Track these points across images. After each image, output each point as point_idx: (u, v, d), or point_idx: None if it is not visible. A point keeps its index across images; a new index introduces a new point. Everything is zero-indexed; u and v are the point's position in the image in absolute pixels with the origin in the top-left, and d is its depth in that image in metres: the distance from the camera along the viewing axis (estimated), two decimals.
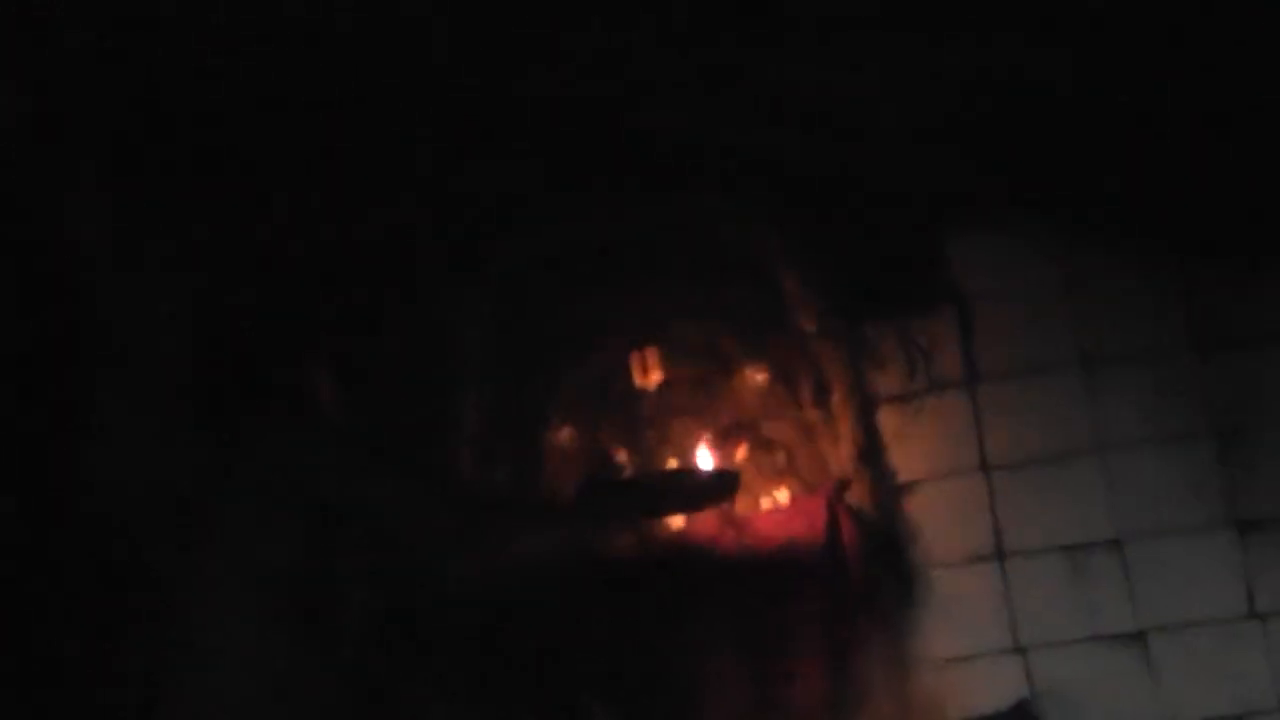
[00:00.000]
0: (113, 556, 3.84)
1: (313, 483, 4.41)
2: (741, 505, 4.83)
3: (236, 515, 4.20)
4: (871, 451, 4.80)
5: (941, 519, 4.68)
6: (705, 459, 5.08)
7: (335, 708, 4.45)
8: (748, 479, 4.89)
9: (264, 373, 4.42)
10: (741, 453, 4.98)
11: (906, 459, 4.77)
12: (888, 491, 4.76)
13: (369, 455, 4.65)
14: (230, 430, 4.20)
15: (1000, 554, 4.61)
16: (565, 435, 5.05)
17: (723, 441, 5.03)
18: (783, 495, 4.92)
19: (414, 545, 4.76)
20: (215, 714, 3.98)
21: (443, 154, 4.57)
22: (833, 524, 4.66)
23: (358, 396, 4.71)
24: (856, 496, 4.78)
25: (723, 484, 4.88)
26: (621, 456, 5.07)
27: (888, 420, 4.82)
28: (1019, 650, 4.54)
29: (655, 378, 5.04)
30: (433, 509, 4.70)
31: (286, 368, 4.57)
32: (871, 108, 4.44)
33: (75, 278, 3.88)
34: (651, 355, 5.03)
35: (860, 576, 4.58)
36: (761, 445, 5.02)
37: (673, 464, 5.12)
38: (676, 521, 4.92)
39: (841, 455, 4.86)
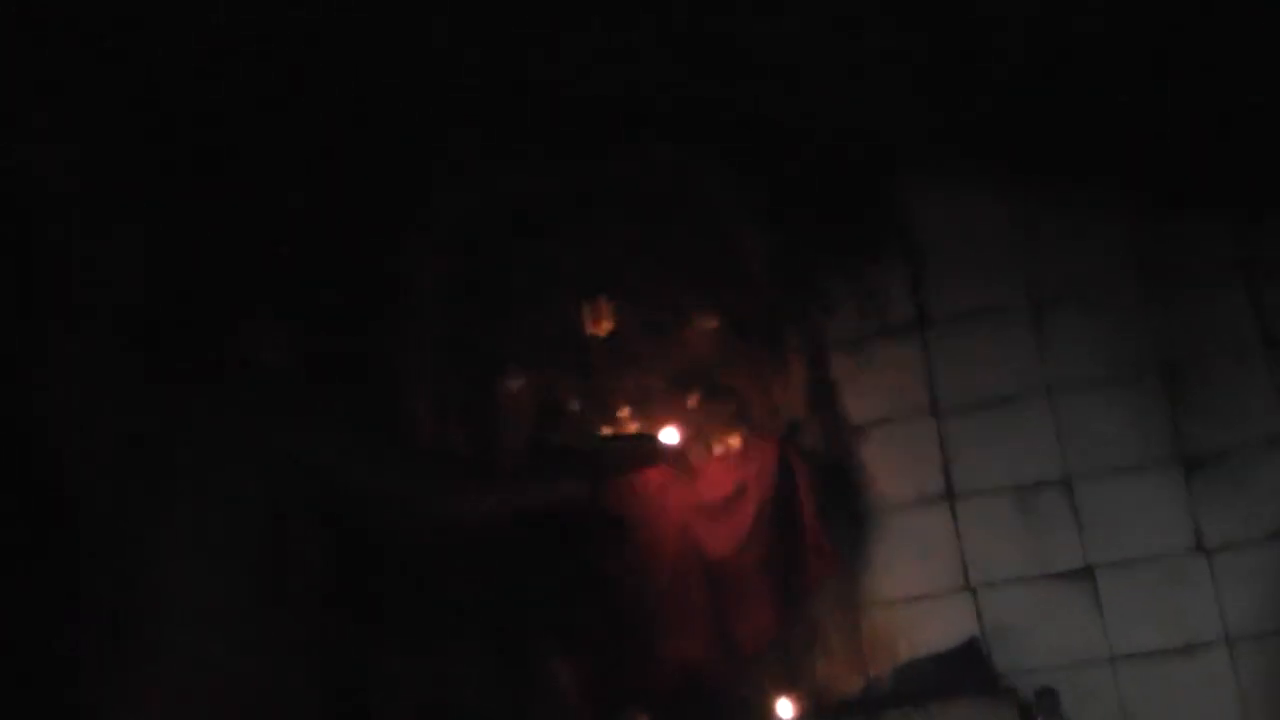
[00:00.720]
0: (68, 508, 3.82)
1: (267, 438, 4.37)
2: (695, 452, 4.81)
3: (194, 470, 4.18)
4: (823, 396, 4.83)
5: (892, 461, 4.73)
6: (633, 425, 5.05)
7: (291, 660, 4.43)
8: (699, 425, 4.87)
9: (217, 330, 4.39)
10: (694, 400, 4.96)
11: (858, 403, 4.82)
12: (839, 435, 4.79)
13: (320, 408, 4.62)
14: (186, 387, 4.17)
15: (950, 494, 4.67)
16: (517, 385, 5.02)
17: (675, 388, 5.01)
18: (735, 441, 4.91)
19: (367, 497, 4.73)
20: (174, 665, 3.96)
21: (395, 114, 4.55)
22: (785, 468, 4.67)
23: (307, 350, 4.68)
24: (808, 441, 4.80)
25: (647, 450, 4.84)
26: (574, 405, 5.05)
27: (839, 365, 4.86)
28: (969, 589, 4.60)
29: (606, 326, 5.02)
30: (386, 461, 4.67)
31: (238, 325, 4.53)
32: (821, 54, 4.45)
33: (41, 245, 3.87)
34: (603, 304, 5.01)
35: (813, 519, 4.60)
36: (714, 392, 5.01)
37: (607, 430, 5.08)
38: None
39: (793, 400, 4.87)
